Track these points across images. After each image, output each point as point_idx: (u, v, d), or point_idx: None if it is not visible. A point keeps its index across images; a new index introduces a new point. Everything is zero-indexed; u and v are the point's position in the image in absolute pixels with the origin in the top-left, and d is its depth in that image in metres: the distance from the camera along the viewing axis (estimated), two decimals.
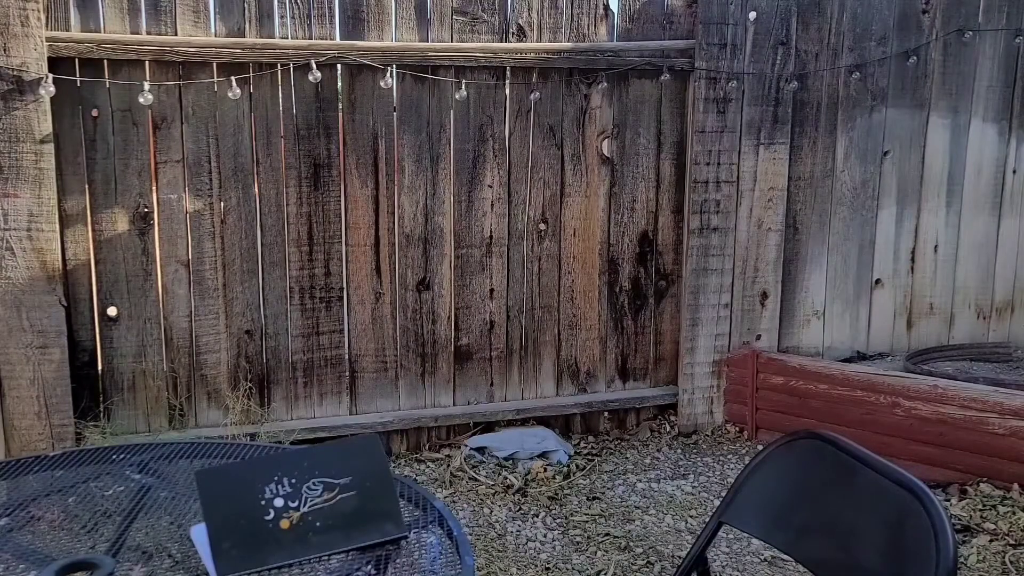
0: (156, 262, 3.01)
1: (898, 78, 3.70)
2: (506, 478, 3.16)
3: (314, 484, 1.05)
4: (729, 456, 3.45)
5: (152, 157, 2.96)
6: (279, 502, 1.03)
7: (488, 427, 3.47)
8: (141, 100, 2.85)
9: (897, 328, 3.92)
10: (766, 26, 3.46)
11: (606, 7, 3.35)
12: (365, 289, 3.25)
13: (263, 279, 3.14)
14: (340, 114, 3.12)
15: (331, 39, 3.06)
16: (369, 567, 1.00)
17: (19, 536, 1.10)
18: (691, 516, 2.95)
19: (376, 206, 3.21)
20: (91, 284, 2.96)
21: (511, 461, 3.28)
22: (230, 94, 2.92)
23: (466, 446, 3.36)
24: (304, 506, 1.03)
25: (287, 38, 3.01)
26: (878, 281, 3.84)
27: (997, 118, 3.88)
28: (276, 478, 1.05)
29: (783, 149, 3.56)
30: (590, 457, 3.40)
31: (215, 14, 2.95)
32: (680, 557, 2.68)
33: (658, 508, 2.99)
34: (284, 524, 1.01)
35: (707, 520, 1.69)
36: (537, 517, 2.92)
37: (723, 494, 2.31)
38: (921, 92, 3.75)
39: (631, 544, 2.74)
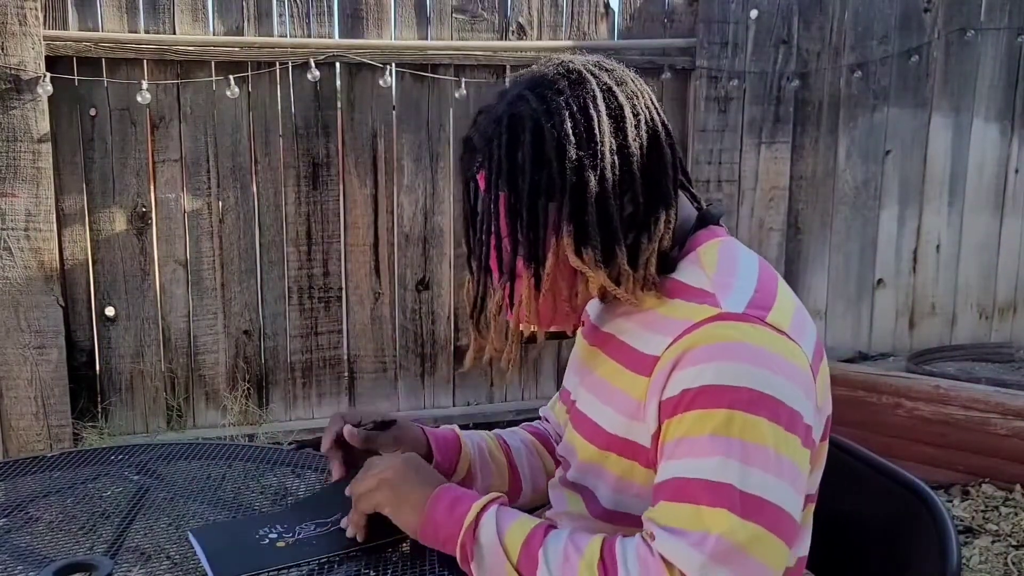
0: (154, 262, 3.00)
1: (900, 77, 3.69)
2: None
3: (306, 525, 1.08)
4: None
5: (150, 156, 2.95)
6: (274, 534, 1.06)
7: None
8: (139, 99, 2.84)
9: (899, 328, 3.91)
10: (767, 24, 3.45)
11: (606, 5, 3.34)
12: (364, 289, 3.24)
13: (261, 279, 3.13)
14: (339, 113, 3.11)
15: (330, 38, 3.05)
16: (368, 569, 1.00)
17: (17, 537, 1.09)
18: None
19: (375, 205, 3.20)
20: (89, 284, 2.95)
21: None
22: (228, 93, 2.91)
23: None
24: (299, 535, 1.06)
25: (286, 37, 3.00)
26: (880, 281, 3.83)
27: (999, 117, 3.87)
28: (270, 526, 1.08)
29: (785, 148, 3.55)
30: None
31: (213, 13, 2.93)
32: None
33: None
34: (280, 544, 1.04)
35: None
36: None
37: None
38: (923, 91, 3.74)
39: None
